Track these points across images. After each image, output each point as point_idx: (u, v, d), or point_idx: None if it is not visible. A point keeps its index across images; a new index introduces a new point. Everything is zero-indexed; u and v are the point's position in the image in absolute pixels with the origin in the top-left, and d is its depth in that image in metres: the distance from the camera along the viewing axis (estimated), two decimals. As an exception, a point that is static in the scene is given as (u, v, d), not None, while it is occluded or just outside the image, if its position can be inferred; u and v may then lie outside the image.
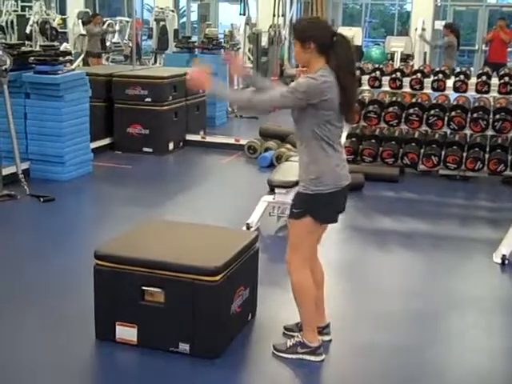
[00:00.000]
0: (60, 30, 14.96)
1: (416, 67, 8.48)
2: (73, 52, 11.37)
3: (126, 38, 15.63)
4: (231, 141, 8.47)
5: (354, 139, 7.44)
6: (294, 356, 3.37)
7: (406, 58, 15.26)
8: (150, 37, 16.75)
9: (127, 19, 15.82)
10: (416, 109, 7.36)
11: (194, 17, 22.63)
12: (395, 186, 6.84)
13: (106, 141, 8.02)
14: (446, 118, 7.27)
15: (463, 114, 7.24)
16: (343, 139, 7.54)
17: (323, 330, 3.55)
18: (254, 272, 3.81)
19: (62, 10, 19.40)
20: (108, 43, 14.97)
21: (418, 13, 17.38)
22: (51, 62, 6.59)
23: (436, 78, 7.62)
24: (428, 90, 7.68)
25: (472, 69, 9.76)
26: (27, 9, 15.48)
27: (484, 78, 7.49)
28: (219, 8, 20.82)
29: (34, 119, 6.59)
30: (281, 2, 14.19)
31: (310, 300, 3.36)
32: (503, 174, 6.97)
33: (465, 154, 7.04)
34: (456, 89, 7.51)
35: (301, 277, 3.33)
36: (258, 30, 12.95)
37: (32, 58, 6.65)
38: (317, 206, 3.23)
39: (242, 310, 3.59)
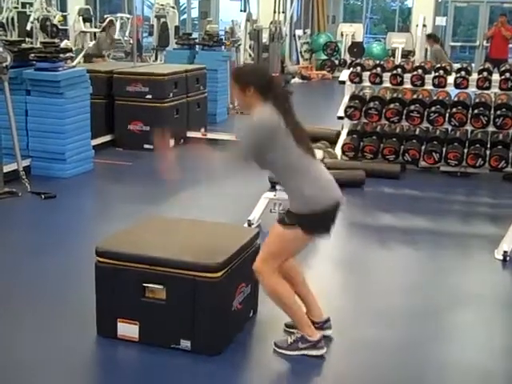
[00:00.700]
0: (61, 27, 14.96)
1: (417, 63, 8.47)
2: (73, 49, 11.36)
3: (127, 34, 15.61)
4: (232, 138, 8.45)
5: (354, 136, 7.44)
6: (295, 352, 3.37)
7: (407, 54, 15.27)
8: (150, 33, 16.72)
9: (128, 16, 15.80)
10: (417, 105, 7.35)
11: (194, 13, 22.61)
12: (396, 182, 6.84)
13: (107, 138, 8.01)
14: (447, 115, 7.27)
15: (464, 111, 7.24)
16: (343, 136, 7.55)
17: (324, 324, 3.55)
18: (256, 269, 3.80)
19: (63, 7, 19.38)
20: (108, 40, 14.97)
21: (419, 9, 17.37)
22: (52, 58, 6.59)
23: (437, 74, 7.62)
24: (429, 87, 7.68)
25: (473, 65, 9.73)
26: (28, 6, 15.45)
27: (485, 74, 7.48)
28: (220, 4, 20.79)
29: (35, 116, 6.59)
30: (281, -1, 14.19)
31: (289, 301, 3.36)
32: (504, 171, 6.97)
33: (466, 151, 7.04)
34: (457, 85, 7.50)
35: (274, 286, 3.32)
36: (258, 26, 12.94)
37: (32, 55, 6.65)
38: (309, 223, 3.24)
39: (243, 307, 3.59)
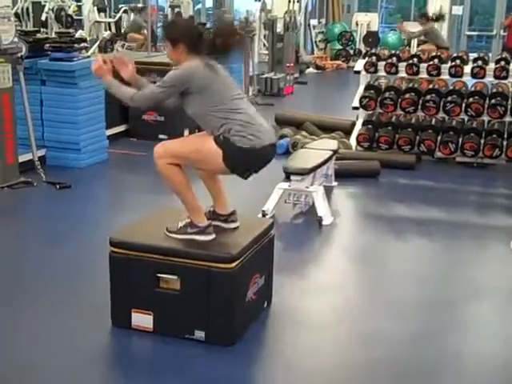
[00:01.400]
0: (75, 17, 14.98)
1: (433, 53, 8.39)
2: (88, 39, 11.37)
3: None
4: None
5: (369, 126, 7.39)
6: (184, 236, 3.43)
7: (423, 43, 15.13)
8: (165, 23, 16.72)
9: (142, 5, 15.78)
10: (433, 95, 7.29)
11: (209, 3, 22.55)
12: (411, 173, 6.79)
13: (122, 128, 8.01)
14: (464, 105, 7.20)
15: (481, 100, 7.17)
16: (358, 126, 7.51)
17: (228, 217, 3.62)
18: (270, 259, 3.80)
19: (78, -3, 19.38)
20: (123, 30, 14.97)
21: (435, -2, 17.19)
22: (66, 48, 6.59)
23: (453, 63, 7.55)
24: (445, 76, 7.62)
25: (490, 54, 9.65)
26: (43, -4, 15.48)
27: (502, 63, 7.41)
28: (234, -6, 20.71)
29: (50, 106, 6.60)
30: (296, -12, 14.09)
31: (181, 185, 3.43)
32: (521, 161, 6.90)
33: (482, 141, 6.97)
34: (474, 75, 7.44)
35: (167, 171, 3.43)
36: (273, 16, 12.86)
37: (47, 45, 6.65)
38: (234, 154, 3.31)
39: (257, 298, 3.58)
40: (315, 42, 17.50)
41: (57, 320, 3.60)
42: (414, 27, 15.82)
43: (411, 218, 5.67)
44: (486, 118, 7.19)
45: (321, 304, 3.94)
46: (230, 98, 3.35)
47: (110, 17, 15.33)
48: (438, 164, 7.15)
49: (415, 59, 7.73)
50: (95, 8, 14.09)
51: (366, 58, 8.00)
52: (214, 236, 3.45)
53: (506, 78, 7.33)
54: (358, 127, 7.52)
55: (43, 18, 14.24)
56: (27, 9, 15.33)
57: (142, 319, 3.41)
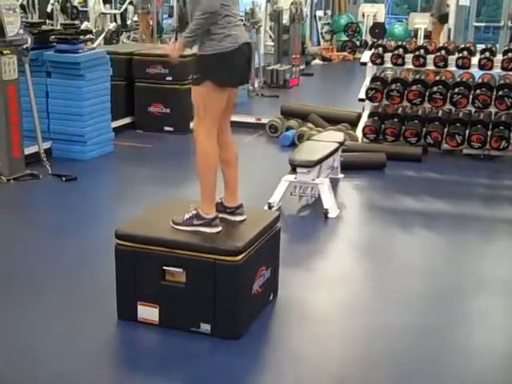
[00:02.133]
0: (81, 9, 14.96)
1: (440, 44, 8.35)
2: (94, 31, 11.37)
3: (147, 16, 15.56)
4: (252, 120, 8.42)
5: (376, 118, 7.36)
6: (189, 228, 3.42)
7: (430, 34, 15.06)
8: (170, 15, 16.67)
9: (148, -3, 15.74)
10: (440, 87, 7.25)
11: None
12: (418, 165, 6.76)
13: (127, 120, 8.00)
14: (471, 96, 7.16)
15: (488, 92, 7.12)
16: (364, 118, 7.48)
17: (236, 210, 3.60)
18: (276, 252, 3.79)
19: (83, -11, 19.36)
20: (129, 21, 14.95)
21: (442, -11, 17.08)
22: (72, 40, 6.57)
23: (461, 55, 7.51)
24: (452, 68, 7.58)
25: (497, 45, 9.59)
26: (48, -13, 15.46)
27: (510, 54, 7.36)
28: (240, -15, 20.64)
29: (56, 98, 6.58)
30: (302, -21, 14.02)
31: (211, 171, 3.42)
32: (529, 153, 6.86)
33: (489, 133, 6.93)
34: (481, 66, 7.39)
35: (205, 146, 3.38)
36: (279, 7, 12.80)
37: (53, 37, 6.64)
38: (216, 68, 3.31)
39: (263, 291, 3.58)
40: (321, 33, 17.42)
41: (63, 313, 3.61)
42: (421, 18, 15.80)
43: (418, 210, 5.65)
44: (493, 109, 7.15)
45: (327, 297, 3.93)
46: None
47: (116, 8, 15.31)
48: (444, 156, 7.11)
49: (422, 51, 7.69)
50: (101, 0, 14.06)
51: (373, 50, 7.96)
52: (220, 228, 3.44)
53: (513, 69, 7.28)
54: (364, 119, 7.49)
55: (49, 9, 14.23)
56: (33, 0, 15.32)
57: (148, 312, 3.41)
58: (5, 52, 5.75)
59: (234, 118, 8.88)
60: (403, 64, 7.70)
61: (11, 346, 3.28)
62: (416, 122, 7.19)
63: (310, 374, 3.12)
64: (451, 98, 7.17)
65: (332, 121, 7.77)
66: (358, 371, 3.17)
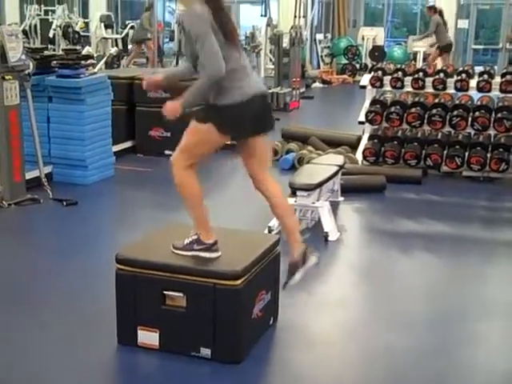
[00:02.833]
0: (82, 34, 15.10)
1: (439, 67, 8.41)
2: (95, 55, 11.46)
3: (148, 40, 15.69)
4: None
5: (375, 141, 7.39)
6: (190, 253, 3.43)
7: (429, 57, 15.17)
8: (171, 39, 16.83)
9: (149, 22, 15.88)
10: (439, 109, 7.29)
11: (215, 18, 22.63)
12: (418, 187, 6.77)
13: (128, 144, 8.03)
14: (470, 119, 7.19)
15: (487, 114, 7.16)
16: (364, 141, 7.51)
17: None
18: (276, 276, 3.78)
19: (85, 14, 19.57)
20: (130, 46, 15.08)
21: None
22: (73, 65, 6.62)
23: (459, 77, 7.57)
24: (451, 90, 7.63)
25: (496, 67, 9.67)
26: (50, 13, 15.64)
27: (508, 77, 7.42)
28: (240, 9, 20.83)
29: (57, 123, 6.62)
30: (302, 3, 14.15)
31: (195, 199, 3.42)
32: (528, 175, 6.88)
33: (489, 155, 6.96)
34: (480, 89, 7.44)
35: (183, 177, 3.39)
36: (279, 31, 12.93)
37: (54, 62, 6.70)
38: (221, 117, 3.28)
39: (263, 315, 3.57)
40: (321, 56, 17.56)
41: (63, 337, 3.60)
42: (420, 41, 15.92)
43: (418, 233, 5.65)
44: (492, 131, 7.18)
45: (327, 320, 3.93)
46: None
47: (117, 33, 15.46)
48: (444, 178, 7.13)
49: (421, 73, 7.75)
50: (102, 24, 14.22)
51: (372, 73, 8.02)
52: (219, 254, 3.45)
53: (512, 91, 7.32)
54: (364, 142, 7.52)
55: (51, 34, 14.37)
56: (35, 26, 15.49)
57: (148, 337, 3.41)
58: (7, 77, 5.80)
59: (234, 142, 8.92)
60: (402, 87, 7.76)
61: (10, 367, 3.27)
62: (415, 144, 7.22)
63: (311, 399, 3.11)
64: (450, 120, 7.21)
65: (332, 144, 7.80)
66: (358, 395, 3.16)
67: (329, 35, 18.66)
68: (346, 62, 17.25)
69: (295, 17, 12.96)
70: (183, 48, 3.40)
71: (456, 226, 5.74)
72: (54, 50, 11.88)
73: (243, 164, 3.60)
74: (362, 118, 7.67)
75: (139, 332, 3.42)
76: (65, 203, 5.93)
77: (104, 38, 13.94)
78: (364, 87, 8.01)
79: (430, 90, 7.66)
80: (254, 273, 3.39)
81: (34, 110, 6.21)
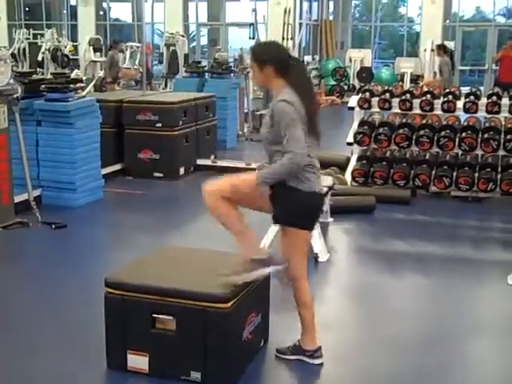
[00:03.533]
0: (71, 57, 15.12)
1: (426, 89, 8.47)
2: (84, 78, 11.47)
3: (137, 63, 15.75)
4: (242, 165, 8.46)
5: (364, 161, 7.43)
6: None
7: (416, 78, 15.32)
8: (160, 61, 16.89)
9: (138, 44, 15.96)
10: (426, 130, 7.35)
11: (204, 41, 22.81)
12: (407, 208, 6.80)
13: (117, 166, 8.04)
14: (457, 139, 7.25)
15: (474, 135, 7.22)
16: (353, 162, 7.54)
17: (314, 353, 3.54)
18: (266, 298, 3.78)
19: (74, 37, 19.64)
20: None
21: (427, 33, 17.49)
22: (62, 89, 6.64)
23: (446, 99, 7.63)
24: (438, 112, 7.68)
25: (482, 88, 9.76)
26: (39, 36, 15.65)
27: (494, 98, 7.49)
28: (229, 32, 20.98)
29: (46, 146, 6.62)
30: (289, 26, 14.30)
31: (230, 216, 3.48)
32: (516, 195, 6.92)
33: (477, 175, 7.00)
34: (466, 110, 7.51)
35: (214, 202, 3.47)
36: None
37: (43, 86, 6.71)
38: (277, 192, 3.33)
39: (253, 337, 3.56)
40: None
41: (51, 362, 3.57)
42: (407, 62, 16.09)
43: (407, 253, 5.66)
44: (479, 152, 7.23)
45: (317, 342, 3.90)
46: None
47: (106, 56, 15.47)
48: (433, 198, 7.17)
49: (408, 95, 7.81)
50: (91, 48, 14.24)
51: (360, 94, 8.07)
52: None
53: (498, 112, 7.39)
54: (353, 163, 7.56)
55: (39, 58, 14.38)
56: (24, 49, 15.49)
57: (138, 361, 3.38)
58: (-5, 101, 5.81)
59: (224, 163, 8.98)
60: (390, 108, 7.82)
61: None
62: (404, 165, 7.26)
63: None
64: (438, 141, 7.27)
65: (321, 165, 7.68)
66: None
67: (317, 57, 18.81)
68: (334, 83, 17.39)
69: (283, 39, 13.10)
70: (265, 134, 3.34)
71: (445, 246, 5.76)
72: (43, 74, 11.88)
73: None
74: (350, 139, 7.72)
75: (129, 356, 3.39)
76: (54, 226, 5.91)
77: (93, 61, 13.96)
78: (352, 108, 8.06)
79: (417, 111, 7.72)
80: (243, 295, 3.38)
81: (23, 134, 6.21)
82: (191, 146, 8.40)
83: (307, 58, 18.09)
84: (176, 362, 3.34)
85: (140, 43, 14.95)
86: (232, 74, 10.94)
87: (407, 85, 13.73)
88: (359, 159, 7.51)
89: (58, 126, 6.56)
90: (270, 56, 3.31)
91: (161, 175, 7.94)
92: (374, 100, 7.86)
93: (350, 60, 17.93)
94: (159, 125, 7.96)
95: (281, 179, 3.28)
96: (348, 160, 7.76)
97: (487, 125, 7.37)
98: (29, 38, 15.79)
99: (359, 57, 17.81)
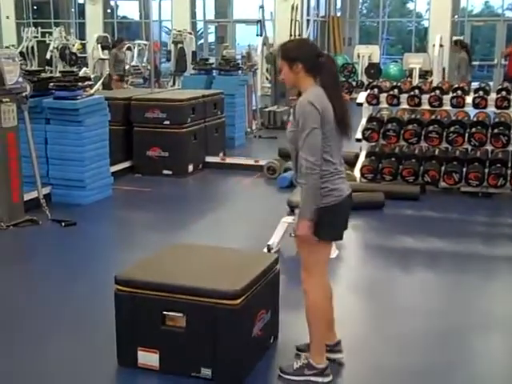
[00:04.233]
0: (79, 55, 15.17)
1: (435, 83, 8.44)
2: (92, 76, 11.50)
3: (145, 60, 15.78)
4: (251, 162, 8.47)
5: (373, 158, 7.41)
6: (301, 378, 3.33)
7: (425, 74, 15.25)
8: (168, 59, 16.90)
9: (145, 42, 15.99)
10: (435, 126, 7.32)
11: (211, 38, 22.80)
12: (416, 204, 6.78)
13: (126, 164, 8.06)
14: (467, 135, 7.22)
15: (484, 130, 7.19)
16: (362, 158, 7.53)
17: (334, 347, 3.51)
18: (275, 294, 3.78)
19: (82, 35, 19.69)
20: (127, 66, 15.14)
21: (436, 29, 17.41)
22: (70, 87, 6.65)
23: (455, 94, 7.59)
24: (447, 107, 7.64)
25: (491, 83, 9.71)
26: (47, 35, 15.71)
27: (504, 93, 7.44)
28: (236, 29, 20.96)
29: (55, 144, 6.64)
30: (297, 22, 14.27)
31: (322, 322, 3.33)
32: (526, 190, 6.89)
33: (487, 171, 6.97)
34: (476, 105, 7.47)
35: (316, 298, 3.31)
36: (275, 50, 12.99)
37: (52, 84, 6.72)
38: (319, 223, 3.18)
39: (263, 334, 3.56)
40: (317, 74, 17.63)
41: (62, 360, 3.58)
42: (416, 58, 16.02)
43: (417, 249, 5.65)
44: (489, 147, 7.20)
45: (328, 339, 3.90)
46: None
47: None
48: (442, 194, 7.14)
49: (416, 91, 7.78)
50: (99, 46, 14.26)
51: (368, 91, 8.05)
52: (331, 378, 3.33)
53: (507, 107, 7.35)
54: (362, 159, 7.54)
55: (48, 56, 14.43)
56: (32, 48, 15.56)
57: (148, 358, 3.39)
58: (4, 100, 5.82)
59: (233, 161, 9.01)
60: (398, 104, 7.78)
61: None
62: (413, 160, 7.24)
63: (313, 419, 3.08)
64: (447, 136, 7.23)
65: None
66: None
67: (325, 53, 18.76)
68: (343, 79, 17.33)
69: (291, 35, 13.06)
70: (289, 134, 3.27)
71: (455, 242, 5.74)
72: (52, 72, 11.92)
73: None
74: (358, 135, 7.69)
75: (139, 353, 3.40)
76: (63, 224, 5.92)
77: (101, 59, 13.98)
78: (360, 105, 8.03)
79: (426, 106, 7.69)
80: (253, 292, 3.38)
81: (32, 132, 6.23)
82: (200, 144, 8.40)
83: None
84: (186, 359, 3.34)
85: (148, 41, 14.97)
86: (240, 71, 10.93)
87: (416, 80, 13.67)
88: (368, 155, 7.49)
89: (66, 124, 6.58)
90: (299, 53, 3.20)
91: (169, 173, 7.94)
92: (383, 96, 7.83)
93: (358, 56, 17.87)
94: (167, 122, 7.97)
95: (316, 199, 3.14)
96: (357, 156, 7.74)
97: (497, 120, 7.33)
98: (37, 37, 15.86)
99: (367, 53, 17.75)
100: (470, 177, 6.93)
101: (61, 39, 14.67)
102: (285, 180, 7.47)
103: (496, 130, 7.15)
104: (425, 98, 7.66)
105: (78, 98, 6.63)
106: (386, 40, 21.94)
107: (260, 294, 3.47)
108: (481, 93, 7.55)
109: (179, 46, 15.37)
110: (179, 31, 15.91)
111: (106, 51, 14.67)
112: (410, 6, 24.11)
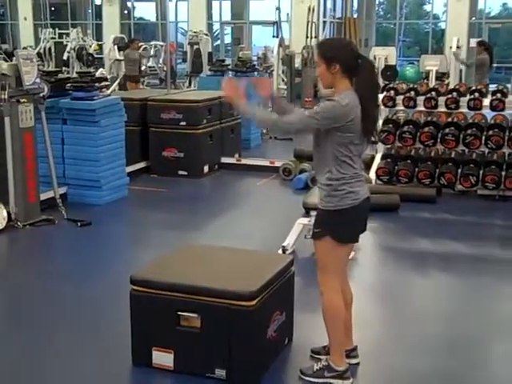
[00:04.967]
0: (96, 56, 15.24)
1: (451, 86, 8.40)
2: (108, 77, 11.55)
3: (161, 61, 15.82)
4: (266, 163, 8.46)
5: (389, 160, 7.38)
6: (320, 380, 3.31)
7: (442, 76, 15.14)
8: (184, 60, 16.94)
9: (161, 43, 16.04)
10: (452, 128, 7.28)
11: (227, 39, 22.84)
12: (432, 206, 6.74)
13: (142, 164, 8.08)
14: (484, 137, 7.17)
15: (501, 133, 7.14)
16: (378, 160, 7.50)
17: (350, 352, 3.49)
18: (290, 296, 3.77)
19: (98, 36, 19.80)
20: (143, 67, 15.20)
21: (453, 31, 17.30)
22: (87, 88, 6.69)
23: (472, 96, 7.55)
24: (464, 109, 7.60)
25: (509, 85, 9.65)
26: (64, 36, 15.81)
27: (521, 96, 7.39)
28: (252, 30, 20.98)
29: (71, 144, 6.68)
30: (313, 24, 14.24)
31: (340, 323, 3.31)
32: (543, 193, 6.83)
33: (504, 174, 6.92)
34: (493, 107, 7.42)
35: (333, 301, 3.30)
36: (291, 51, 13.00)
37: (69, 85, 6.77)
38: (336, 224, 3.19)
39: (278, 335, 3.55)
40: (333, 76, 17.59)
41: (77, 360, 3.59)
42: (433, 60, 15.93)
43: (433, 252, 5.62)
44: (506, 150, 7.15)
45: (343, 341, 3.89)
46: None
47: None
48: (458, 197, 7.10)
49: (433, 93, 7.74)
50: (115, 46, 14.32)
51: (385, 92, 8.02)
52: (351, 380, 3.30)
53: (525, 110, 7.30)
54: (378, 161, 7.51)
55: (65, 57, 14.51)
56: (49, 48, 15.66)
57: (163, 358, 3.40)
58: (22, 100, 5.86)
59: (248, 162, 9.00)
60: (415, 106, 7.75)
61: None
62: (429, 163, 7.20)
63: (327, 421, 3.07)
64: (464, 139, 7.19)
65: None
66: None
67: (341, 55, 18.72)
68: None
69: (307, 37, 13.04)
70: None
71: (472, 245, 5.70)
72: (68, 73, 11.98)
73: None
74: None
75: (154, 353, 3.41)
76: (79, 224, 5.95)
77: (117, 60, 14.03)
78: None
79: (442, 109, 7.65)
80: (268, 293, 3.37)
81: (49, 132, 6.26)
82: (215, 145, 8.41)
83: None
84: (201, 360, 3.34)
85: (164, 42, 15.02)
86: (256, 73, 10.94)
87: (432, 83, 13.59)
88: (384, 157, 7.46)
89: (83, 125, 6.61)
90: (337, 54, 3.14)
91: (185, 173, 7.96)
92: (399, 98, 7.80)
93: (375, 58, 17.71)
94: (183, 123, 7.98)
95: (263, 126, 3.17)
96: (372, 158, 7.72)
97: (514, 122, 7.29)
98: (54, 38, 15.96)
99: (383, 54, 17.63)
100: (486, 180, 6.89)
101: (78, 40, 14.74)
102: (300, 181, 7.46)
103: (513, 133, 7.10)
104: (441, 100, 7.62)
105: (95, 98, 6.67)
106: (402, 42, 21.85)
107: (275, 295, 3.47)
108: (498, 95, 7.50)
109: (195, 47, 15.39)
110: (195, 32, 15.93)
111: (122, 52, 14.75)
112: (427, 7, 24.02)
